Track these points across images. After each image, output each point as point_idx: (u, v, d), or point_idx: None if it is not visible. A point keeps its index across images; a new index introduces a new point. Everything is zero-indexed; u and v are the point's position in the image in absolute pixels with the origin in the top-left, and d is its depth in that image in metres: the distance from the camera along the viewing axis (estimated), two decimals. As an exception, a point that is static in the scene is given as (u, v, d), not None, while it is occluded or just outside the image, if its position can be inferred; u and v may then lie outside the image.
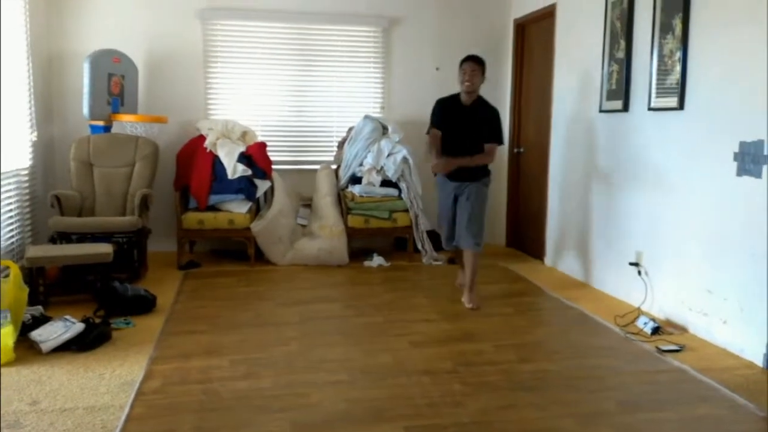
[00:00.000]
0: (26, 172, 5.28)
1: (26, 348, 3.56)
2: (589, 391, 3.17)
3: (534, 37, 6.26)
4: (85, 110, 5.48)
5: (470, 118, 4.48)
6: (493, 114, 4.51)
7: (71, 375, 3.25)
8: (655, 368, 3.47)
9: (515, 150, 6.55)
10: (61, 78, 5.86)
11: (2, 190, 4.77)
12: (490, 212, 6.69)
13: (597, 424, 2.82)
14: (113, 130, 5.63)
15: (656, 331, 3.98)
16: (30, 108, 5.33)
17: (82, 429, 2.68)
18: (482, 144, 4.47)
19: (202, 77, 6.17)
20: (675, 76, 4.10)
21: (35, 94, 5.42)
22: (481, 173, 4.55)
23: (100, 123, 5.52)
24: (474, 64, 4.42)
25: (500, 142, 4.55)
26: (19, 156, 5.16)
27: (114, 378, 3.22)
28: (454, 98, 4.56)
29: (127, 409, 2.87)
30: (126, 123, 5.60)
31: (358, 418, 2.85)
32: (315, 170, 6.25)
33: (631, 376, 3.35)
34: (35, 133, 5.42)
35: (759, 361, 3.49)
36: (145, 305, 4.32)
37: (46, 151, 5.74)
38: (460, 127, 4.49)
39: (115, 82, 5.56)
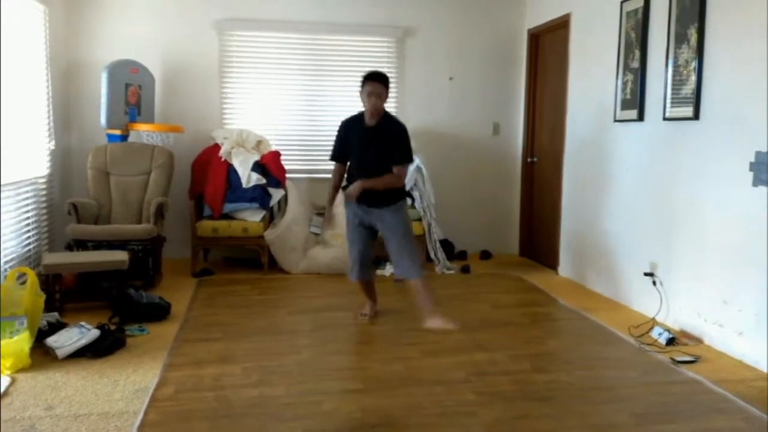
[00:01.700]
0: (44, 180, 5.35)
1: (42, 354, 3.59)
2: (603, 402, 3.14)
3: (548, 47, 6.26)
4: (103, 119, 5.55)
5: (375, 138, 4.04)
6: (400, 131, 4.06)
7: (86, 381, 3.28)
8: (669, 379, 3.43)
9: (529, 159, 6.55)
10: (80, 87, 5.94)
11: (20, 197, 4.84)
12: (503, 221, 6.75)
13: (611, 435, 2.80)
14: (130, 139, 5.70)
15: (671, 342, 3.95)
16: (48, 117, 5.41)
17: (97, 435, 2.71)
18: (390, 165, 4.04)
19: (217, 87, 6.22)
20: (690, 86, 4.08)
21: (54, 103, 5.50)
22: (393, 197, 4.10)
23: (117, 132, 5.58)
24: (378, 85, 3.97)
25: (409, 161, 4.10)
26: (37, 164, 5.23)
27: (128, 384, 3.24)
28: (359, 118, 4.13)
29: (140, 416, 2.89)
30: (142, 132, 5.67)
31: (370, 427, 2.84)
32: (328, 179, 6.26)
33: (645, 388, 3.31)
34: (53, 142, 5.49)
35: (776, 374, 3.45)
36: (159, 312, 4.35)
37: (63, 160, 5.81)
38: (364, 149, 4.08)
39: (132, 92, 5.63)
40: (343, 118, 4.28)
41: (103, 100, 5.51)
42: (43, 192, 5.34)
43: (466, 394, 3.19)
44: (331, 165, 6.37)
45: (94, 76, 5.78)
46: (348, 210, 4.25)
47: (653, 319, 4.38)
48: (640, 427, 2.87)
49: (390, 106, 6.45)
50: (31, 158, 5.09)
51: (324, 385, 3.31)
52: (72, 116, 5.96)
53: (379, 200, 4.07)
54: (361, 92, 4.04)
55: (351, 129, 4.18)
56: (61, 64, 5.75)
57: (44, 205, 5.35)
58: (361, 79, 4.08)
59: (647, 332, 4.14)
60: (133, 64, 5.65)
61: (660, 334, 4.03)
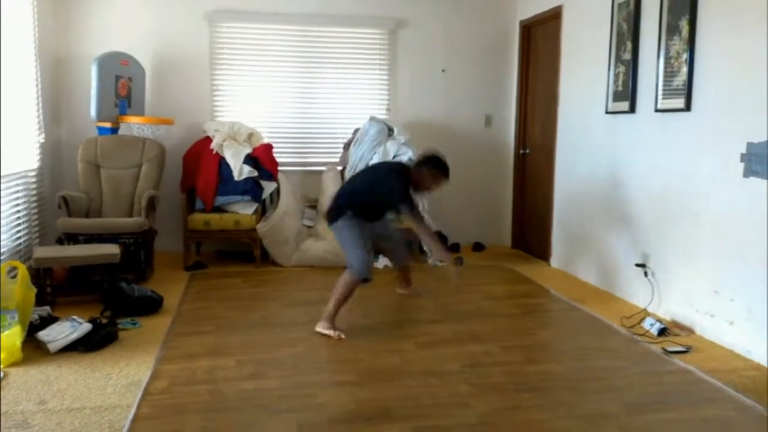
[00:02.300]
0: (34, 173, 5.31)
1: (33, 348, 3.57)
2: (596, 392, 3.16)
3: (540, 39, 6.26)
4: (93, 112, 5.50)
5: None
6: None
7: (78, 375, 3.26)
8: (661, 369, 3.46)
9: (521, 151, 6.55)
10: (69, 80, 5.89)
11: (10, 191, 4.80)
12: (495, 213, 6.77)
13: (603, 425, 2.81)
14: (120, 131, 5.66)
15: (662, 332, 3.97)
16: (38, 110, 5.36)
17: (89, 429, 2.69)
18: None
19: (208, 79, 6.19)
20: (682, 78, 4.09)
21: (43, 95, 5.45)
22: (384, 213, 4.44)
23: (108, 125, 5.55)
24: (447, 181, 4.13)
25: None
26: (27, 157, 5.18)
27: (121, 378, 3.23)
28: (408, 177, 4.10)
29: (133, 409, 2.88)
30: (133, 125, 5.63)
31: (365, 419, 2.85)
32: (321, 172, 6.27)
33: (637, 378, 3.34)
34: (43, 135, 5.44)
35: (766, 363, 3.47)
36: (151, 306, 4.33)
37: (53, 153, 5.77)
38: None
39: (122, 85, 5.59)
40: (400, 167, 4.25)
41: (93, 92, 5.46)
42: (34, 185, 5.30)
43: (460, 385, 3.20)
44: (321, 158, 6.45)
45: (84, 68, 5.73)
46: (354, 223, 4.11)
47: (645, 309, 4.40)
48: (632, 417, 2.89)
49: (382, 98, 6.49)
50: (21, 151, 5.04)
51: (318, 377, 3.32)
52: (62, 109, 5.91)
53: (377, 215, 4.27)
54: (431, 177, 4.04)
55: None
56: (51, 57, 5.69)
57: (35, 198, 5.31)
58: (436, 164, 4.04)
59: (639, 323, 4.16)
60: (123, 56, 5.61)
61: (652, 324, 4.06)
